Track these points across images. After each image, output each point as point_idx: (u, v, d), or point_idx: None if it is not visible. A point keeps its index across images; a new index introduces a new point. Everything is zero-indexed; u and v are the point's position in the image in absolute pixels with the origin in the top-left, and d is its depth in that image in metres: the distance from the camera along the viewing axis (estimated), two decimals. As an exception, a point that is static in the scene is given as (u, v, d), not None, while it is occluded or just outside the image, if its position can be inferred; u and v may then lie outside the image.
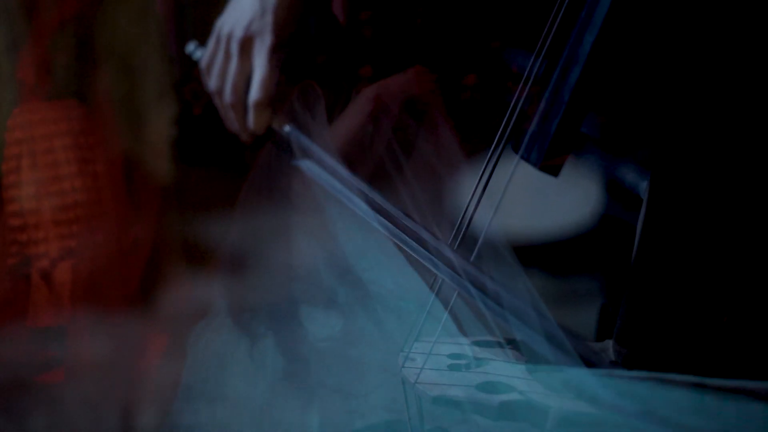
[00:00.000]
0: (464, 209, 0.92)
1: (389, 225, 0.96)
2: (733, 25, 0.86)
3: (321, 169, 1.07)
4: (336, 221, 1.11)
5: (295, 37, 1.17)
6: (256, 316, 1.13)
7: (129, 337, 1.20)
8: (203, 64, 1.19)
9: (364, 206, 1.00)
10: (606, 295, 1.03)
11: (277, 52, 1.13)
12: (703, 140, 0.89)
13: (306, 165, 1.09)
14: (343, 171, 1.04)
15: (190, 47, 1.24)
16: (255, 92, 1.14)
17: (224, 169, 1.37)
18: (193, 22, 1.55)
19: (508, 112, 0.90)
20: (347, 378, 1.00)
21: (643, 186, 0.94)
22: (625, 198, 0.98)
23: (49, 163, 1.23)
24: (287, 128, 1.13)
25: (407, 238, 0.94)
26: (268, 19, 1.12)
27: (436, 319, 0.91)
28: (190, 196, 1.38)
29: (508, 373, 0.88)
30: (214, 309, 1.25)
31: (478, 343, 0.92)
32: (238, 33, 1.13)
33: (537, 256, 1.08)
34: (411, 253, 0.94)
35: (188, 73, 1.46)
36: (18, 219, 1.23)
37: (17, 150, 1.23)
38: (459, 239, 0.92)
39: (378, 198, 0.99)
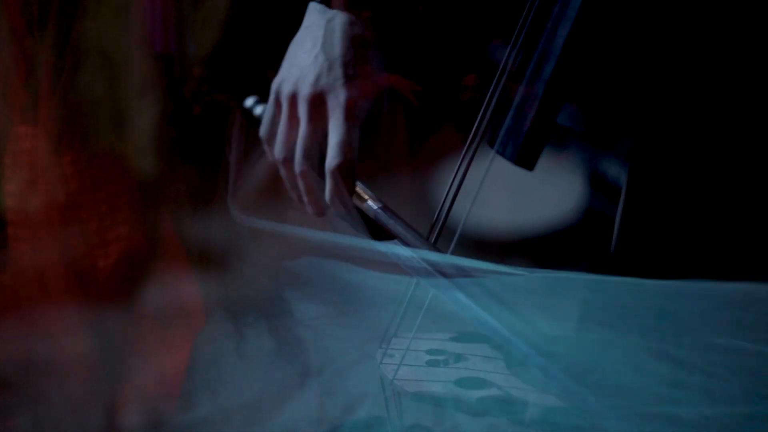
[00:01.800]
0: (441, 203, 0.91)
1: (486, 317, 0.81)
2: (708, 16, 0.86)
3: (408, 251, 0.89)
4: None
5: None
6: (245, 309, 1.12)
7: (117, 334, 1.21)
8: (263, 132, 1.03)
9: (458, 294, 0.84)
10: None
11: (354, 108, 0.97)
12: (681, 132, 0.89)
13: (390, 248, 0.91)
14: (431, 252, 0.89)
15: (249, 102, 1.09)
16: (333, 157, 0.95)
17: (223, 168, 1.37)
18: (192, 21, 1.55)
19: (484, 105, 0.90)
20: (327, 373, 1.00)
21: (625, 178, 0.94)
22: (608, 191, 0.97)
23: (27, 169, 1.23)
24: (374, 206, 0.95)
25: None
26: (338, 72, 0.97)
27: (414, 314, 0.91)
28: (189, 194, 1.38)
29: (487, 369, 0.88)
30: (209, 304, 1.25)
31: (456, 339, 0.92)
32: (306, 91, 0.97)
33: (520, 249, 1.07)
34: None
35: (188, 73, 1.46)
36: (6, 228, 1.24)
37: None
38: (437, 234, 0.92)
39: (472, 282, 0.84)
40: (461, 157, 0.91)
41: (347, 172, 0.96)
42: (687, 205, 0.89)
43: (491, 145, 0.88)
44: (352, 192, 0.96)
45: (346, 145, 0.95)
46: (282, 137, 1.00)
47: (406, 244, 0.89)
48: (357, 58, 0.98)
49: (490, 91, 0.89)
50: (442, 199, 0.92)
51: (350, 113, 0.96)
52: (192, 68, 1.68)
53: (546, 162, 0.90)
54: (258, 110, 1.06)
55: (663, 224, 0.90)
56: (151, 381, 1.20)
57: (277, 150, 1.00)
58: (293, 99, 0.98)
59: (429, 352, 0.91)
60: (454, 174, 0.91)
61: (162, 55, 1.82)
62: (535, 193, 1.07)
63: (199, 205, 1.35)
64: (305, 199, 1.00)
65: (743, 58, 0.87)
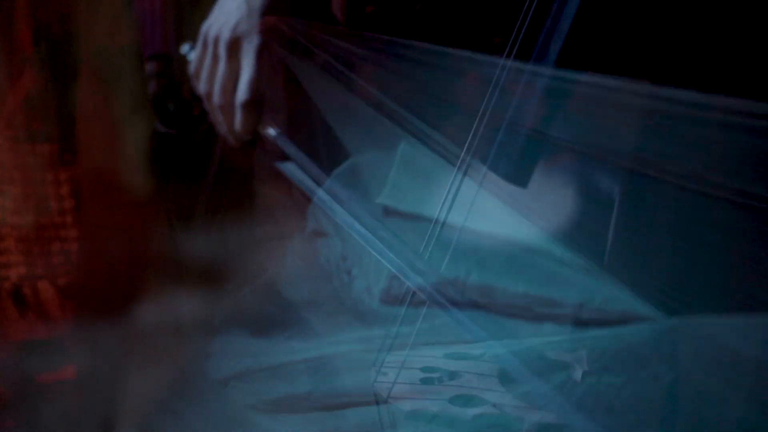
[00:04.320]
0: (435, 218, 0.91)
1: (366, 233, 0.95)
2: (700, 28, 0.85)
3: (303, 173, 1.06)
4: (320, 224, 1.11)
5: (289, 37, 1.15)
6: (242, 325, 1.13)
7: (111, 351, 1.20)
8: (192, 68, 1.18)
9: (343, 213, 0.99)
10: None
11: (265, 52, 1.12)
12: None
13: (288, 168, 1.08)
14: (324, 177, 1.04)
15: (185, 48, 1.23)
16: (242, 92, 1.12)
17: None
18: (191, 22, 1.54)
19: (479, 115, 0.89)
20: (322, 391, 0.99)
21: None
22: (601, 203, 0.97)
23: (21, 181, 1.22)
24: (273, 131, 1.11)
25: (381, 246, 0.93)
26: (255, 20, 1.11)
27: (407, 331, 0.90)
28: (182, 209, 1.37)
29: (482, 386, 0.87)
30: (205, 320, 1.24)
31: (450, 356, 0.91)
32: (226, 34, 1.12)
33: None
34: (386, 263, 0.93)
35: (187, 74, 1.44)
36: None
37: None
38: (430, 249, 0.91)
39: (358, 207, 0.98)
40: (455, 169, 0.90)
41: (254, 105, 1.12)
42: (680, 218, 0.89)
43: (483, 161, 0.87)
44: (258, 122, 1.12)
45: (254, 83, 1.11)
46: (205, 74, 1.15)
47: (299, 164, 1.06)
48: (274, 8, 1.11)
49: (483, 103, 0.88)
50: (437, 212, 0.91)
51: (261, 56, 1.11)
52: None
53: (538, 174, 0.89)
54: (191, 56, 1.20)
55: (656, 236, 0.89)
56: (145, 398, 1.19)
57: (201, 85, 1.16)
58: (216, 41, 1.13)
59: (423, 369, 0.90)
60: (447, 187, 0.90)
61: (161, 56, 1.81)
62: (528, 205, 1.06)
63: (192, 220, 1.34)
64: (223, 128, 1.15)
65: (735, 66, 0.86)
